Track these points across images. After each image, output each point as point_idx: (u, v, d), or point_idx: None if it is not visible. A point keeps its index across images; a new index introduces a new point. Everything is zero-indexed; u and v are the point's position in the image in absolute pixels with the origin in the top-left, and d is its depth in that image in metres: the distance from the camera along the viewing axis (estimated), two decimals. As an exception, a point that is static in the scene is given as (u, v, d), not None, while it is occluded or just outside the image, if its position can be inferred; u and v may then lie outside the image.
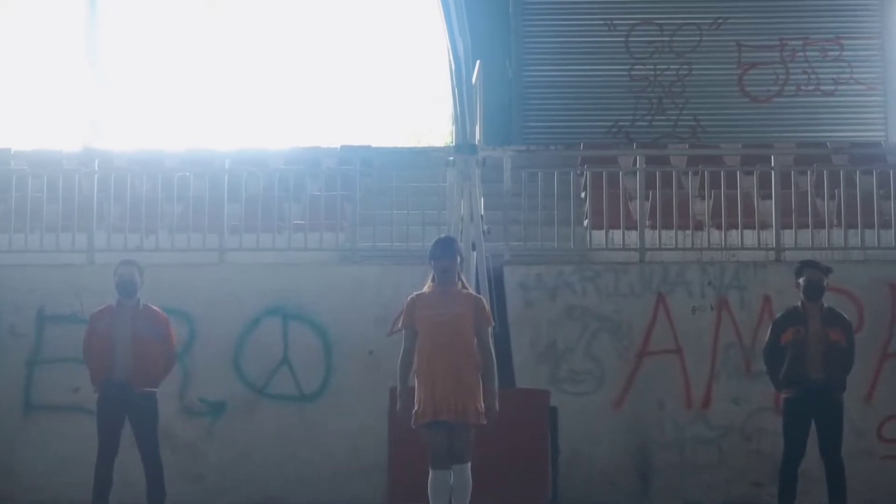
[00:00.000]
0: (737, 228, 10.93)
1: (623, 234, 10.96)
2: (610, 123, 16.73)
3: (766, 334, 9.90)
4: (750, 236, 11.10)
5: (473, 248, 9.28)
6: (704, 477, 10.17)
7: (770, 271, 10.46)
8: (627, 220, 11.17)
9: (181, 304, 10.11)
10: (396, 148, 15.19)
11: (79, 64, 16.27)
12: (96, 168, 11.44)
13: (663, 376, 10.23)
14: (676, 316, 10.31)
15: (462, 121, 9.57)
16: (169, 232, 11.17)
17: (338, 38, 19.05)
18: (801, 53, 16.76)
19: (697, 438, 10.17)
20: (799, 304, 8.61)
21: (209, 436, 10.30)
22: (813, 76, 16.85)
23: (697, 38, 16.87)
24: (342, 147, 12.82)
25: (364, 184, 11.76)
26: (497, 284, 9.96)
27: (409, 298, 7.26)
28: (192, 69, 18.43)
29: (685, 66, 16.91)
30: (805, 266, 8.64)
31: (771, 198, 11.13)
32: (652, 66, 16.96)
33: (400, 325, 7.30)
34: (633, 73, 16.97)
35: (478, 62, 10.01)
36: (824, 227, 11.07)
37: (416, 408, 7.09)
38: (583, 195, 12.28)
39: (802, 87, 16.84)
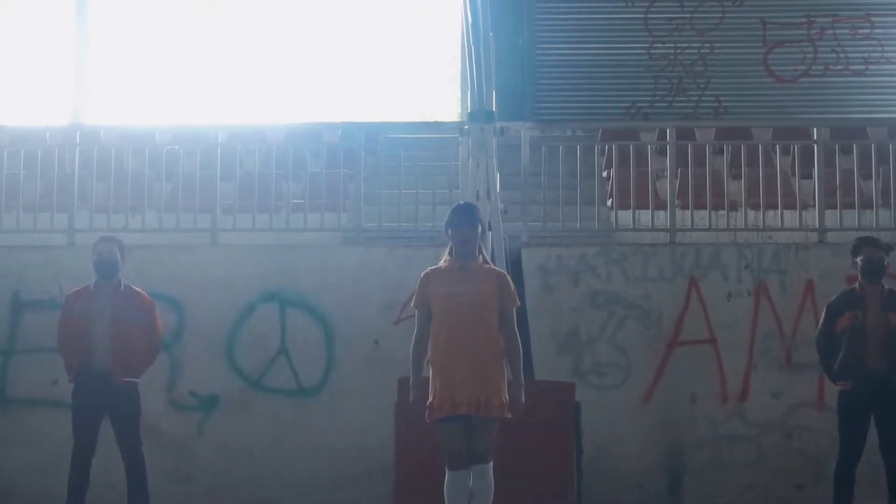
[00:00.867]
0: (774, 209, 10.11)
1: (652, 213, 10.11)
2: (627, 104, 15.59)
3: (808, 322, 9.31)
4: (789, 217, 10.25)
5: (489, 228, 8.44)
6: (741, 478, 9.42)
7: (812, 254, 9.70)
8: (655, 199, 10.33)
9: (170, 290, 9.52)
10: (404, 122, 14.28)
11: (69, 37, 15.46)
12: (78, 141, 10.56)
13: (696, 368, 9.50)
14: (710, 302, 9.57)
15: (478, 84, 8.70)
16: (157, 212, 10.38)
17: (344, 10, 18.19)
18: (829, 31, 15.67)
19: (733, 436, 9.45)
20: (856, 285, 7.75)
21: (200, 433, 9.63)
22: (842, 55, 15.80)
23: (720, 15, 15.80)
24: (345, 123, 11.85)
25: (369, 161, 10.98)
26: (514, 268, 9.18)
27: (422, 274, 6.40)
28: (190, 42, 17.61)
29: (707, 45, 15.85)
30: (863, 243, 7.79)
31: (810, 177, 10.36)
32: (672, 45, 15.85)
33: (412, 304, 6.42)
34: (651, 51, 15.87)
35: (490, 34, 9.22)
36: (869, 208, 10.23)
37: (430, 400, 6.21)
38: (605, 175, 11.47)
39: (831, 67, 15.78)
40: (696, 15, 15.98)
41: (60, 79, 15.95)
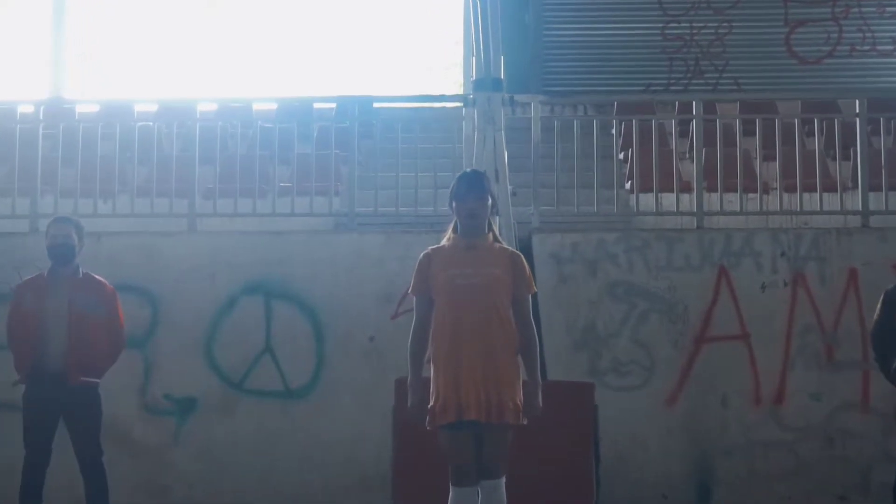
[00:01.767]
0: (812, 191, 9.26)
1: (676, 196, 9.22)
2: (641, 88, 15.01)
3: (850, 315, 8.67)
4: (826, 200, 9.39)
5: (497, 213, 7.58)
6: (777, 489, 8.65)
7: (855, 239, 8.86)
8: (679, 181, 9.49)
9: (143, 281, 8.89)
10: (402, 96, 13.38)
11: (45, 9, 14.68)
12: (41, 118, 9.64)
13: (726, 367, 8.74)
14: (742, 294, 8.77)
15: (484, 50, 7.79)
16: (130, 195, 9.54)
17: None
18: (855, 9, 15.15)
19: (768, 442, 8.67)
20: (919, 271, 6.84)
21: (175, 440, 8.91)
22: (868, 35, 15.21)
23: (739, -8, 15.25)
24: (337, 97, 10.93)
25: (365, 143, 10.15)
26: (524, 256, 8.27)
27: (421, 255, 5.48)
28: (177, 15, 16.81)
29: (725, 24, 15.35)
30: None
31: (845, 158, 9.53)
32: (687, 24, 15.43)
33: (409, 290, 5.47)
34: (666, 31, 15.44)
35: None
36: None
37: (431, 403, 5.28)
38: (622, 156, 10.59)
39: (857, 48, 15.18)
40: (713, -8, 15.43)
41: (37, 53, 15.19)
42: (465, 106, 8.26)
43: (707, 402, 8.69)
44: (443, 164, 9.63)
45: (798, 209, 9.28)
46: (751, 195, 9.47)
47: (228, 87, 16.27)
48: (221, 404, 8.88)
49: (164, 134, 9.85)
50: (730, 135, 9.78)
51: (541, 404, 5.36)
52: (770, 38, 15.29)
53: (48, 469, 7.01)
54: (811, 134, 10.72)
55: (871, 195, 9.22)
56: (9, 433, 8.25)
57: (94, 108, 11.20)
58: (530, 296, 5.43)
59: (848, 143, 9.80)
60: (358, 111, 9.59)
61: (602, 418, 8.03)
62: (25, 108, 10.08)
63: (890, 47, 15.18)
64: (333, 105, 10.81)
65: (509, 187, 8.47)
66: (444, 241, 5.48)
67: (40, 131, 9.52)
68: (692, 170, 9.60)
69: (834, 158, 10.13)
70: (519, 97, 9.17)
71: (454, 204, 5.39)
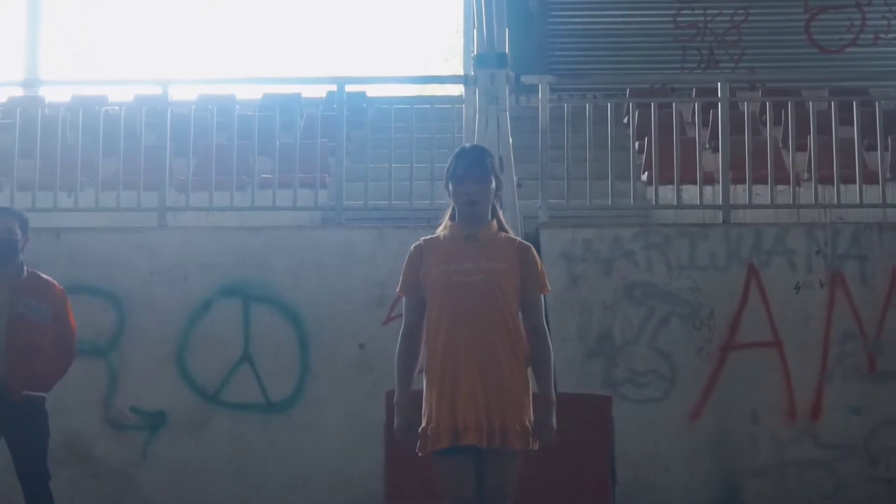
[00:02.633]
0: (850, 182, 8.41)
1: (700, 188, 8.37)
2: (648, 86, 14.14)
3: (895, 319, 7.64)
4: (865, 193, 8.58)
5: (501, 206, 6.75)
6: None
7: (901, 235, 8.10)
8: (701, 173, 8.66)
9: (107, 282, 8.24)
10: (396, 76, 12.54)
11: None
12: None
13: (756, 378, 7.97)
14: (774, 296, 7.99)
15: (487, 22, 6.95)
16: (95, 189, 8.77)
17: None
18: None
19: (804, 461, 7.88)
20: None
21: (143, 458, 8.19)
22: (894, 22, 14.41)
23: (756, -23, 14.59)
24: (321, 77, 10.09)
25: (355, 134, 9.33)
26: (532, 252, 7.51)
27: (412, 247, 4.59)
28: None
29: (741, 11, 14.69)
30: None
31: (874, 148, 8.75)
32: (701, 12, 14.78)
33: (398, 290, 4.59)
34: (678, 19, 14.71)
35: None
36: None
37: (423, 424, 4.39)
38: (636, 146, 9.77)
39: (881, 36, 14.41)
40: (729, -23, 14.72)
41: (11, 34, 14.47)
42: (465, 85, 7.39)
43: (735, 417, 7.92)
44: (441, 155, 8.77)
45: (835, 202, 8.40)
46: (780, 187, 8.62)
47: (212, 75, 15.52)
48: (194, 419, 8.16)
49: (135, 122, 8.97)
50: (752, 124, 8.94)
51: (555, 426, 4.47)
52: (789, 25, 14.68)
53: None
54: (841, 123, 9.93)
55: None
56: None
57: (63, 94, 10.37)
58: (543, 296, 4.55)
59: (888, 132, 8.95)
60: (347, 96, 8.71)
61: (618, 435, 7.25)
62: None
63: (916, 35, 14.42)
64: (322, 92, 9.94)
65: (515, 178, 7.70)
66: (439, 231, 4.60)
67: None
68: (715, 160, 8.76)
69: (869, 149, 9.30)
70: (526, 78, 8.31)
71: (451, 187, 4.51)
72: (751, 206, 8.38)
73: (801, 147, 8.91)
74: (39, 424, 6.13)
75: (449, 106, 9.43)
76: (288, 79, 11.24)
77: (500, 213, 4.65)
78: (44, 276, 6.26)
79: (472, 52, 7.50)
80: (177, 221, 8.65)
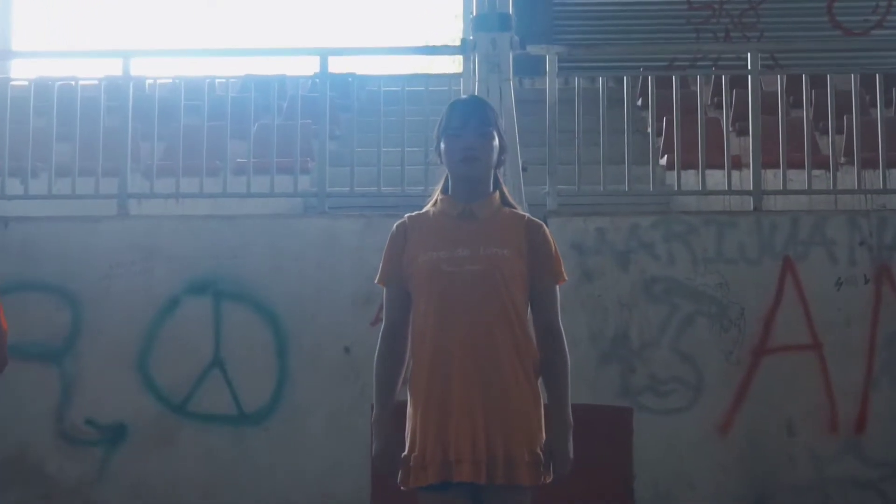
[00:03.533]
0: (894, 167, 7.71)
1: (728, 172, 7.56)
2: (665, 63, 13.45)
3: None
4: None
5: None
6: None
7: (956, 223, 7.36)
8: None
9: (60, 278, 7.56)
10: (386, 47, 11.79)
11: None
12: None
13: (793, 385, 7.24)
14: (812, 293, 7.22)
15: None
16: (48, 175, 8.07)
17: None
18: None
19: (847, 479, 7.16)
20: None
21: (101, 475, 7.45)
22: (923, 3, 13.74)
23: (774, -45, 13.96)
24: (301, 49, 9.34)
25: (341, 113, 8.60)
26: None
27: (395, 226, 3.73)
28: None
29: None
30: None
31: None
32: None
33: (377, 279, 3.72)
34: (692, 1, 13.99)
35: None
36: None
37: (406, 451, 3.52)
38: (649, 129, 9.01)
39: None
40: (745, -45, 14.13)
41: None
42: (463, 56, 6.62)
43: (769, 430, 7.20)
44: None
45: (881, 187, 7.62)
46: (815, 172, 7.83)
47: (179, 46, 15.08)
48: (158, 431, 7.46)
49: (97, 102, 8.21)
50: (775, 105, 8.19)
51: (572, 453, 3.61)
52: (810, 6, 14.02)
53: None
54: (874, 104, 9.22)
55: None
56: None
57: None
58: (558, 287, 3.69)
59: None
60: (334, 78, 7.94)
61: (638, 449, 6.85)
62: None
63: (948, 16, 13.71)
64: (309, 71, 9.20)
65: (520, 161, 7.02)
66: (428, 206, 3.73)
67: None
68: (739, 144, 7.97)
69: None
70: (532, 48, 7.51)
71: (443, 144, 3.64)
72: (786, 191, 7.59)
73: (837, 129, 8.13)
74: (-36, 442, 5.34)
75: (445, 88, 8.73)
76: (266, 50, 10.48)
77: (504, 187, 3.77)
78: (-29, 270, 5.46)
79: (472, 14, 6.66)
80: (140, 210, 7.94)
